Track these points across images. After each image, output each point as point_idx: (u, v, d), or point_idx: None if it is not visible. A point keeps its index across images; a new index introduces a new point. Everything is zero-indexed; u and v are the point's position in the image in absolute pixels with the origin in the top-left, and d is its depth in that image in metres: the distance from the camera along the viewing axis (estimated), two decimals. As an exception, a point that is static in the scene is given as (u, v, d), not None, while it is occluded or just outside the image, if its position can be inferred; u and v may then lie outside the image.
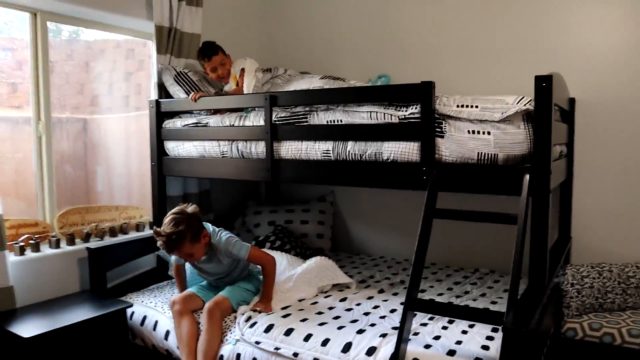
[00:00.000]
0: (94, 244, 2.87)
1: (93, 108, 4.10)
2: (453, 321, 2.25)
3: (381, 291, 2.74)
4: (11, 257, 2.53)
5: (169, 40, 3.15)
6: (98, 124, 3.94)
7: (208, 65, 3.04)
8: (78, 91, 4.23)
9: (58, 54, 3.97)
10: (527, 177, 1.96)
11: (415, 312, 2.04)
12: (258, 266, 2.65)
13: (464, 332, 2.14)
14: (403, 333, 1.96)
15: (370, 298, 2.62)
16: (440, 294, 2.68)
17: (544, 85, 1.93)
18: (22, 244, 2.62)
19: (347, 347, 2.08)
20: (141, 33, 3.24)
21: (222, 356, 2.29)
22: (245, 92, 2.94)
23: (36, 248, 2.67)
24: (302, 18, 3.89)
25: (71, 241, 2.82)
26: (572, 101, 2.90)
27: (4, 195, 2.66)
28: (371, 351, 2.02)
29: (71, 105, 3.97)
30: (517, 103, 2.01)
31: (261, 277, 2.64)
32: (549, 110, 1.93)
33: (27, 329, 2.26)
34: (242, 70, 3.03)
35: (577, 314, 2.61)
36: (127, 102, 3.82)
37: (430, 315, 2.32)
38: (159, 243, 2.43)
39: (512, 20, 3.07)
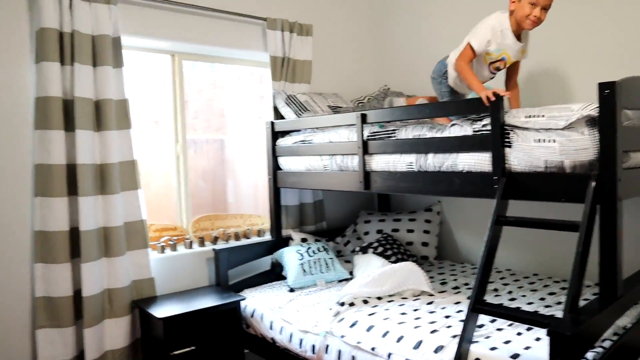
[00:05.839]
0: (219, 246, 3.37)
1: (230, 128, 4.70)
2: (531, 328, 2.28)
3: (470, 298, 2.81)
4: (154, 255, 3.12)
5: (282, 68, 3.58)
6: (233, 142, 4.51)
7: None
8: (220, 114, 4.88)
9: (202, 83, 4.64)
10: (593, 184, 1.96)
11: (479, 315, 2.12)
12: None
13: (538, 339, 2.17)
14: (466, 333, 2.06)
15: (457, 303, 2.72)
16: (530, 303, 2.67)
17: (607, 92, 1.92)
18: (162, 244, 3.20)
19: (418, 344, 2.23)
20: (260, 63, 3.71)
21: (313, 346, 2.58)
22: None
23: (174, 248, 3.25)
24: (408, 40, 4.07)
25: (202, 243, 3.36)
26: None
27: (152, 204, 3.27)
28: (438, 349, 2.16)
29: (214, 127, 4.60)
30: (582, 110, 2.01)
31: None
32: (612, 117, 1.91)
33: (163, 311, 2.79)
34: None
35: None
36: (261, 122, 4.35)
37: (510, 322, 2.37)
38: None
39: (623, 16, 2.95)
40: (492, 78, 2.81)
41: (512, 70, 2.80)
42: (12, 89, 2.64)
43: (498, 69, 2.74)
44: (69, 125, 2.68)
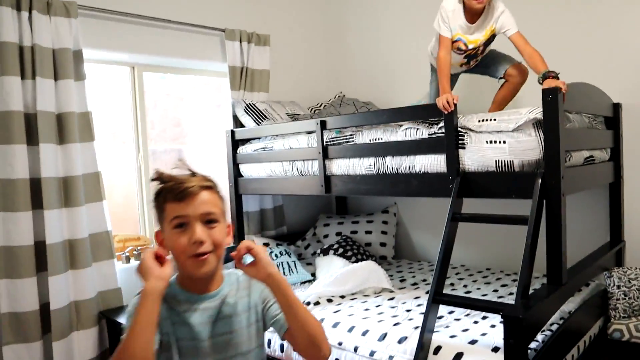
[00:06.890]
0: (184, 254, 3.40)
1: (188, 138, 4.72)
2: (486, 317, 2.46)
3: (428, 292, 2.98)
4: (119, 265, 3.13)
5: (241, 78, 3.67)
6: (192, 151, 4.54)
7: None
8: (176, 124, 4.88)
9: (158, 93, 4.64)
10: (539, 181, 2.15)
11: (439, 305, 2.28)
12: None
13: (493, 326, 2.35)
14: (427, 324, 2.21)
15: (417, 298, 2.88)
16: (484, 295, 2.87)
17: (550, 97, 2.12)
18: (127, 254, 3.22)
19: (382, 337, 2.37)
20: (218, 73, 3.77)
21: (282, 345, 2.67)
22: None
23: (138, 258, 3.26)
24: (362, 49, 4.25)
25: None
26: (616, 106, 2.96)
27: (115, 215, 3.27)
28: (402, 340, 2.30)
29: (170, 136, 4.60)
30: (529, 113, 2.20)
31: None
32: (555, 120, 2.11)
33: (130, 322, 2.80)
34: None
35: (625, 316, 2.66)
36: (219, 130, 4.38)
37: (467, 312, 2.55)
38: None
39: (563, 25, 3.19)
40: (464, 64, 2.81)
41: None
42: (-30, 104, 2.60)
43: (459, 50, 2.70)
44: (32, 139, 2.66)
